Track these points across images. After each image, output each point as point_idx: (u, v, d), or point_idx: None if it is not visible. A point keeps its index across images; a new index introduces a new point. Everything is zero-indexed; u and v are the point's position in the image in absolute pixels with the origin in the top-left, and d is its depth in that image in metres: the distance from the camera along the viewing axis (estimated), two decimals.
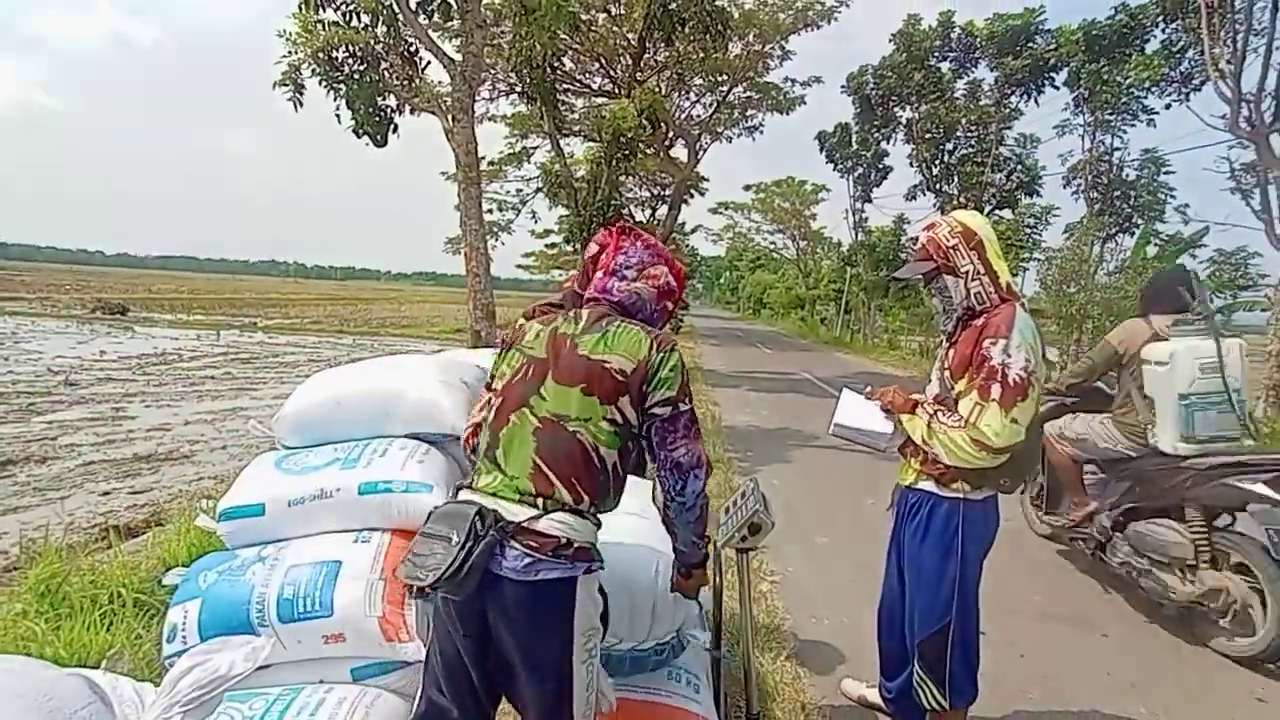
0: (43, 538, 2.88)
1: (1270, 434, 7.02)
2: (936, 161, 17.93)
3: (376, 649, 2.11)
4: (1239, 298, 11.89)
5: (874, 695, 2.22)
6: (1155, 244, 13.08)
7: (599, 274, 1.58)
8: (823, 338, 27.75)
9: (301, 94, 6.42)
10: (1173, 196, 13.48)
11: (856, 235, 24.39)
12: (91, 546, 3.47)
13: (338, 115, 6.46)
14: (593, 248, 1.68)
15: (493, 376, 1.58)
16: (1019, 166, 17.21)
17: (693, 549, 1.56)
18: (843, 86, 19.59)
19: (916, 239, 1.85)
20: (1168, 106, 12.90)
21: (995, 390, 1.60)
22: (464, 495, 1.40)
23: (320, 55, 6.00)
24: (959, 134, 17.60)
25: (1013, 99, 16.65)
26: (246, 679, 2.08)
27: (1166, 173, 13.70)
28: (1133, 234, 13.48)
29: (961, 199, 17.23)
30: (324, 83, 6.27)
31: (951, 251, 1.75)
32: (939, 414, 1.73)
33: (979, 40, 16.38)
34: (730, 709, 2.05)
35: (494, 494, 1.35)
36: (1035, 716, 2.32)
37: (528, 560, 1.30)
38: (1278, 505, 2.56)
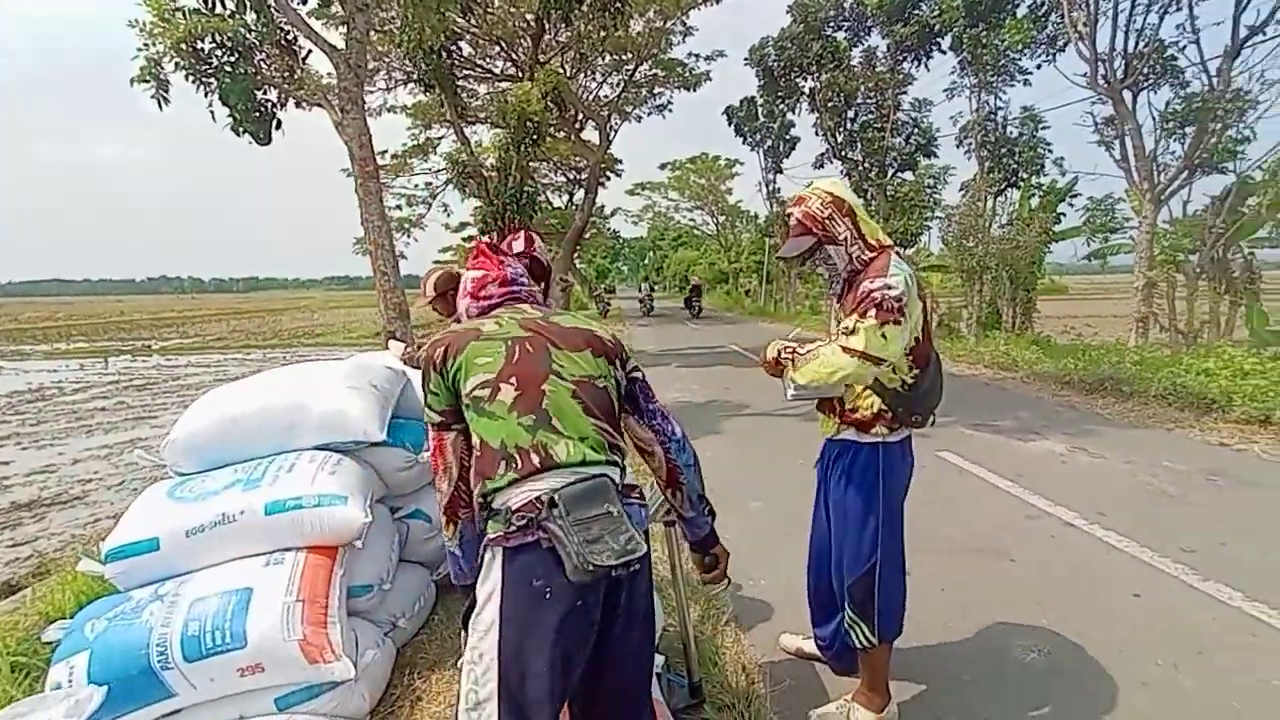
0: None
1: (1139, 361, 7.73)
2: (840, 129, 18.53)
3: (300, 674, 2.00)
4: (1109, 241, 12.98)
5: (810, 646, 2.31)
6: (1036, 196, 14.07)
7: (495, 286, 1.60)
8: (748, 309, 28.41)
9: (166, 90, 5.85)
10: (1050, 151, 14.50)
11: (771, 206, 24.99)
12: None
13: (212, 113, 5.94)
14: (472, 274, 1.66)
15: (462, 375, 1.38)
16: (915, 129, 18.03)
17: (703, 509, 1.63)
18: (745, 59, 19.87)
19: (790, 215, 1.90)
20: (1039, 67, 13.85)
21: (871, 312, 1.71)
22: (552, 474, 1.26)
23: (183, 47, 5.47)
24: (859, 101, 18.22)
25: (905, 65, 17.38)
26: None
27: (1043, 129, 14.72)
28: (1020, 188, 14.44)
29: (865, 164, 17.92)
30: (190, 77, 5.73)
31: (828, 222, 1.82)
32: (797, 348, 1.86)
33: (869, 9, 16.94)
34: (672, 680, 2.07)
35: (583, 460, 1.29)
36: (953, 644, 2.48)
37: (641, 514, 1.36)
38: None
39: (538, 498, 1.23)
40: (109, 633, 1.89)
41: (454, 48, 11.33)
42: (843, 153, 18.60)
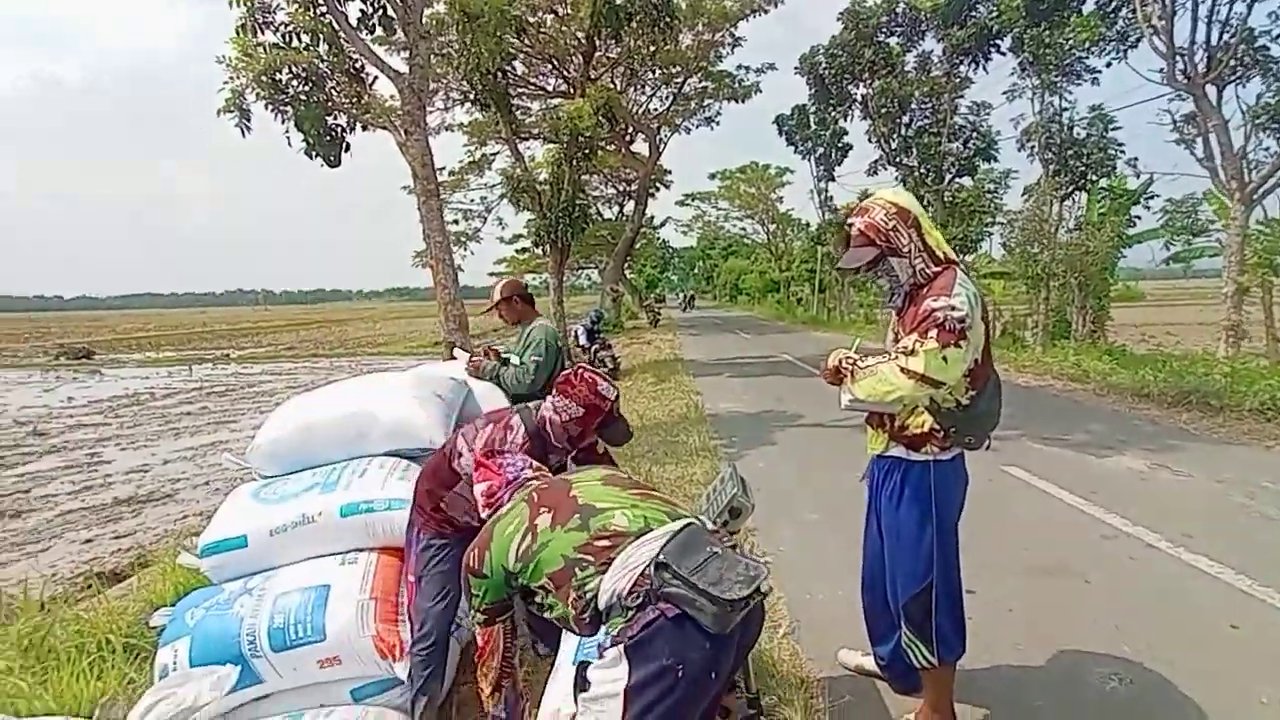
0: (21, 593, 2.81)
1: (1230, 372, 7.24)
2: (894, 135, 18.15)
3: (373, 668, 2.11)
4: (1193, 244, 12.21)
5: (870, 663, 2.27)
6: (1107, 199, 13.39)
7: (505, 493, 1.66)
8: (800, 318, 27.98)
9: (248, 120, 6.30)
10: (1122, 151, 13.78)
11: (823, 214, 24.64)
12: (76, 595, 3.41)
13: (288, 138, 6.35)
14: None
15: (501, 556, 1.42)
16: (974, 134, 17.48)
17: None
18: (796, 68, 19.73)
19: (851, 225, 1.87)
20: (1109, 65, 13.19)
21: (932, 333, 1.66)
22: (631, 544, 1.25)
23: (264, 79, 5.89)
24: (914, 106, 17.82)
25: (961, 68, 16.90)
26: (248, 708, 2.08)
27: (1114, 129, 14.01)
28: (1088, 191, 13.78)
29: (921, 170, 17.47)
30: (270, 106, 6.16)
31: (891, 233, 1.78)
32: (859, 362, 1.80)
33: (924, 13, 16.58)
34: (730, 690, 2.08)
35: (646, 522, 1.31)
36: (1024, 667, 2.38)
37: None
38: None
39: (642, 573, 1.17)
40: (206, 621, 2.05)
41: (508, 67, 11.70)
42: (897, 159, 18.20)
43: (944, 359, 1.65)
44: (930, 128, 17.65)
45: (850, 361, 1.82)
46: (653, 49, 15.16)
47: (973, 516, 3.83)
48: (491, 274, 32.89)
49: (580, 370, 1.96)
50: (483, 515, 1.64)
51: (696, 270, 74.87)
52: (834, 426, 6.49)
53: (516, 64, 14.81)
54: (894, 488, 1.89)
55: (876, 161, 18.91)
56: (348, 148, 6.72)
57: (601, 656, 1.21)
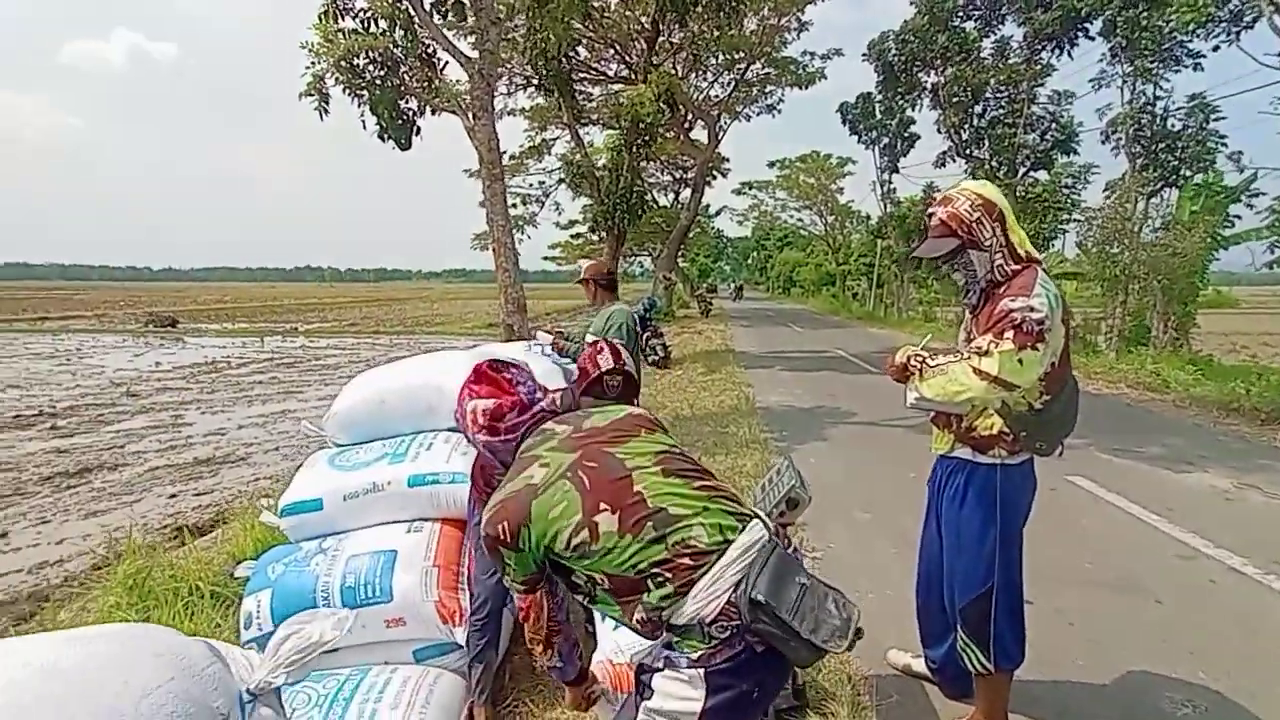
0: (125, 539, 3.08)
1: None
2: (965, 126, 17.35)
3: (435, 631, 2.23)
4: None
5: (919, 665, 2.25)
6: (1201, 196, 12.45)
7: (515, 415, 1.48)
8: (855, 313, 27.30)
9: (327, 103, 6.58)
10: (1224, 144, 12.77)
11: (885, 207, 23.85)
12: (166, 545, 3.71)
13: (363, 121, 6.61)
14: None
15: (543, 539, 1.24)
16: (1053, 124, 16.54)
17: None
18: (863, 55, 19.08)
19: (932, 215, 1.81)
20: (1216, 48, 12.20)
21: (1009, 334, 1.61)
22: (715, 563, 1.15)
23: (343, 64, 6.14)
24: (988, 95, 16.99)
25: (1043, 54, 15.98)
26: (319, 660, 2.23)
27: (1217, 119, 12.99)
28: (1179, 187, 12.86)
29: (993, 163, 16.68)
30: (347, 90, 6.42)
31: (975, 226, 1.72)
32: (929, 359, 1.74)
33: None
34: None
35: (722, 535, 1.18)
36: (1086, 685, 2.31)
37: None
38: None
39: (729, 602, 1.11)
40: (285, 576, 2.20)
41: (572, 53, 11.77)
42: (967, 150, 17.42)
43: (1019, 361, 1.59)
44: (1005, 118, 16.79)
45: (919, 359, 1.76)
46: (716, 34, 14.95)
47: (1031, 524, 3.70)
48: (545, 258, 33.38)
49: (601, 341, 1.86)
50: (477, 437, 1.44)
51: (750, 261, 73.89)
52: (887, 425, 6.35)
53: (580, 49, 14.87)
54: (957, 489, 1.85)
55: (945, 153, 18.16)
56: (418, 131, 6.94)
57: (666, 666, 1.16)
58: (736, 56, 18.75)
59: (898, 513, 3.87)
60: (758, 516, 1.26)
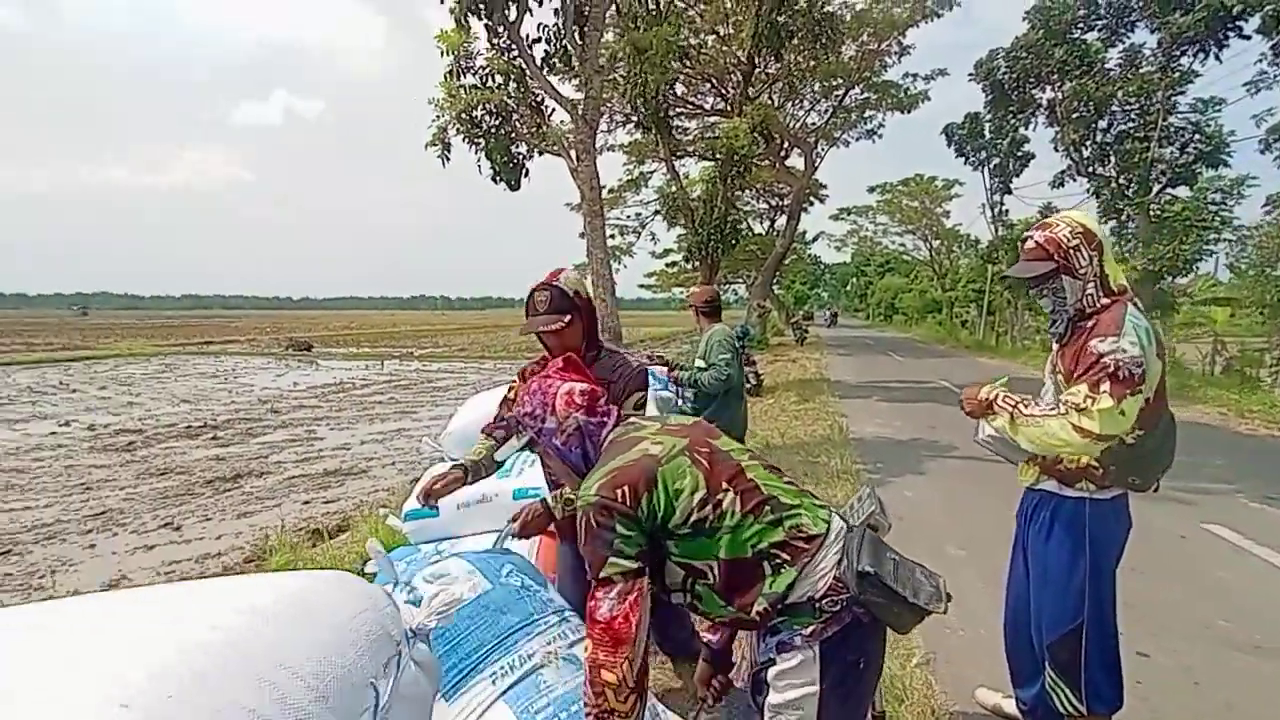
0: (276, 536, 3.57)
1: None
2: (1087, 142, 16.16)
3: None
4: None
5: (1010, 706, 2.19)
6: None
7: (604, 402, 1.46)
8: (963, 342, 25.75)
9: (449, 151, 7.32)
10: None
11: (997, 230, 22.49)
12: (305, 544, 4.24)
13: (479, 166, 7.31)
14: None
15: (668, 505, 1.24)
16: (1196, 135, 15.02)
17: None
18: (970, 74, 18.34)
19: (1028, 238, 1.82)
20: None
21: (1105, 386, 1.57)
22: (820, 549, 1.23)
23: (464, 116, 6.84)
24: (1114, 109, 15.75)
25: (1183, 60, 14.65)
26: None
27: None
28: None
29: (1120, 180, 15.37)
30: (466, 139, 7.12)
31: (1073, 252, 1.71)
32: (1021, 405, 1.72)
33: (1135, 1, 14.63)
34: None
35: (827, 523, 1.27)
36: None
37: None
38: None
39: (836, 577, 1.19)
40: (408, 573, 2.51)
41: (669, 90, 12.26)
42: (1090, 168, 16.17)
43: (1122, 412, 1.56)
44: (1135, 131, 15.47)
45: (1010, 400, 1.73)
46: (813, 64, 15.00)
47: (1157, 574, 3.47)
48: (641, 285, 34.15)
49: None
50: (574, 416, 1.37)
51: (849, 287, 71.59)
52: (988, 461, 5.97)
53: (677, 86, 15.41)
54: (1043, 523, 1.84)
55: (1064, 172, 16.97)
56: (526, 173, 7.55)
57: (780, 651, 1.22)
58: (834, 84, 18.64)
59: (994, 550, 3.66)
60: (832, 510, 1.34)
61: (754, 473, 1.28)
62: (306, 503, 6.48)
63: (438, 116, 7.05)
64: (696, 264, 13.25)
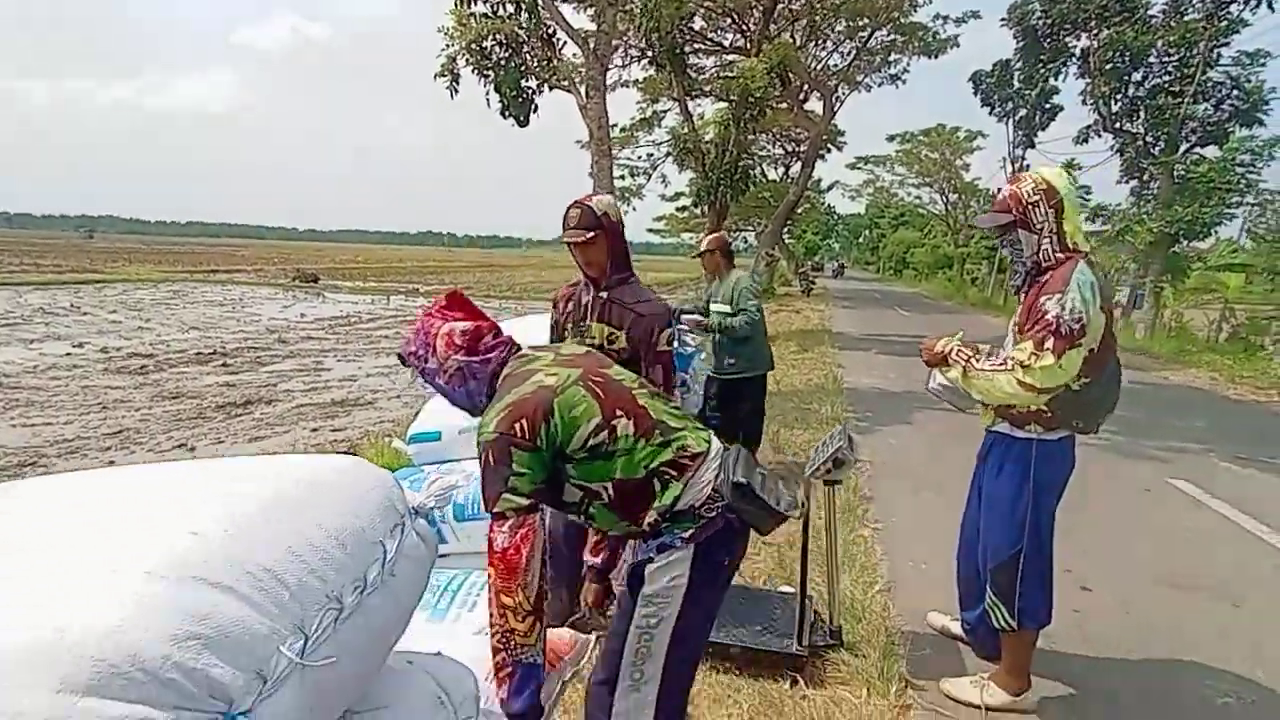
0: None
1: None
2: (1118, 96, 15.56)
3: None
4: None
5: (956, 627, 2.41)
6: None
7: (491, 337, 1.49)
8: (971, 299, 25.59)
9: (458, 82, 7.20)
10: None
11: None
12: None
13: (487, 100, 7.18)
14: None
15: (566, 433, 1.33)
16: (1234, 91, 14.35)
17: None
18: (1002, 20, 17.52)
19: (1000, 190, 1.94)
20: None
21: (1049, 343, 1.70)
22: (703, 465, 1.37)
23: (473, 46, 6.69)
24: (1152, 60, 15.05)
25: (1232, 8, 13.87)
26: (438, 562, 2.74)
27: None
28: None
29: (1148, 137, 14.90)
30: (475, 70, 6.99)
31: (1031, 208, 1.82)
32: (973, 359, 1.86)
33: None
34: (815, 623, 2.34)
35: (708, 442, 1.40)
36: (1128, 666, 2.36)
37: None
38: None
39: (715, 489, 1.33)
40: (440, 481, 2.71)
41: (687, 24, 11.81)
42: (1117, 124, 15.62)
43: (1061, 366, 1.70)
44: (1170, 85, 14.83)
45: (963, 354, 1.88)
46: (838, 2, 14.36)
47: (1112, 519, 3.67)
48: (650, 229, 33.75)
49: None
50: (454, 358, 1.43)
51: (861, 240, 70.45)
52: (975, 414, 6.17)
53: (696, 19, 14.81)
54: (996, 460, 2.00)
55: (1090, 127, 16.44)
56: (536, 109, 7.44)
57: (660, 552, 1.35)
58: (860, 23, 17.84)
59: (965, 495, 3.88)
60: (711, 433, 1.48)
61: (644, 399, 1.38)
62: (315, 429, 6.73)
63: (447, 45, 6.88)
64: (705, 209, 13.10)
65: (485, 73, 6.85)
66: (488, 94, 7.03)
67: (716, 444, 1.42)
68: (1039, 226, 1.82)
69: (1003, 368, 1.78)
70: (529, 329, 3.38)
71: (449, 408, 3.15)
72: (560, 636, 1.52)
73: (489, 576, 1.26)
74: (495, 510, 1.27)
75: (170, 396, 7.64)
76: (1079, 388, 1.82)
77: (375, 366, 10.08)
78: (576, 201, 2.10)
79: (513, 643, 1.25)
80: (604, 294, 2.14)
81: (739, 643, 2.23)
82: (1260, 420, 6.53)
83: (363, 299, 21.06)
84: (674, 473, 1.32)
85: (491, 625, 1.27)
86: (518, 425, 1.26)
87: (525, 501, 1.27)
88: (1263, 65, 13.92)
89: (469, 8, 6.71)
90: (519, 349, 1.48)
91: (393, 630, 0.93)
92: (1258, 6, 13.29)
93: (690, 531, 1.32)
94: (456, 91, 7.12)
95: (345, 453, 5.23)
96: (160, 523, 0.76)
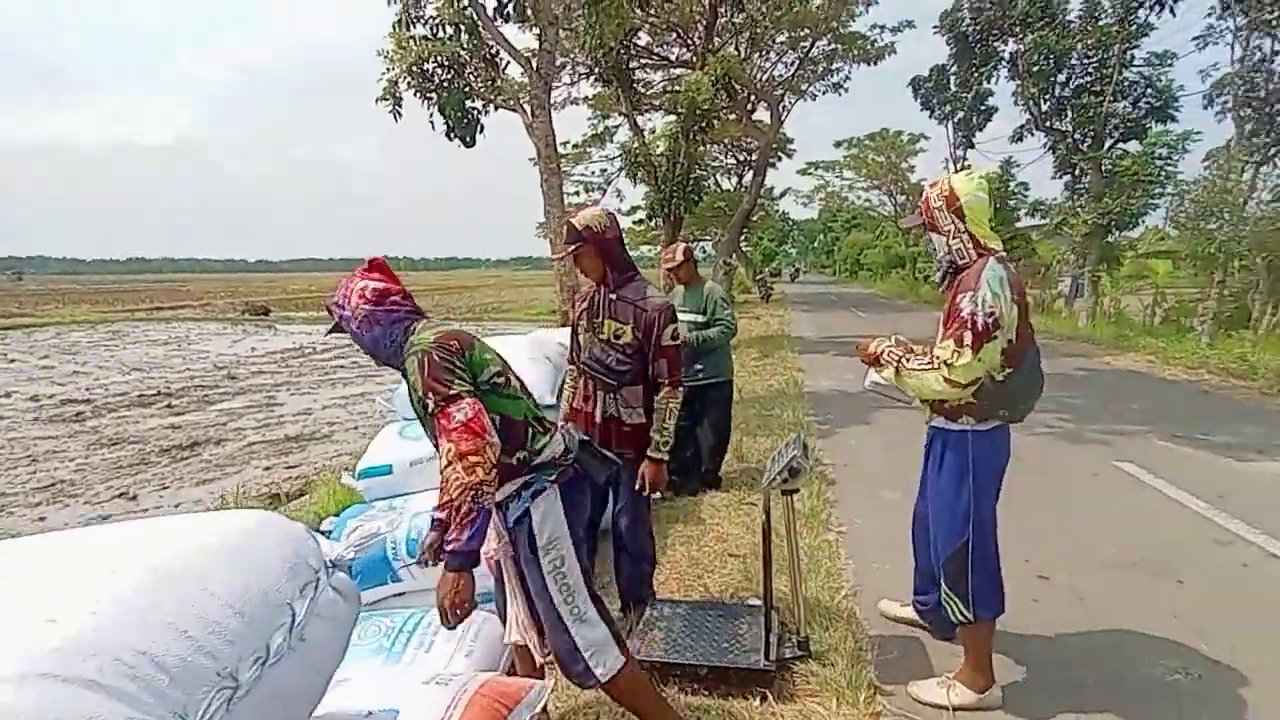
0: (233, 502, 3.61)
1: None
2: (1046, 96, 16.29)
3: (486, 581, 2.58)
4: None
5: (909, 611, 2.48)
6: None
7: (399, 298, 1.73)
8: (924, 297, 26.28)
9: (400, 105, 7.09)
10: None
11: None
12: (260, 508, 4.28)
13: (431, 122, 7.09)
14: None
15: (478, 365, 1.65)
16: (1148, 90, 15.26)
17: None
18: (935, 27, 18.24)
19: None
20: None
21: (967, 339, 1.80)
22: (556, 430, 1.79)
23: (414, 69, 6.60)
24: (1073, 62, 15.86)
25: (1140, 12, 14.76)
26: (386, 602, 2.63)
27: None
28: None
29: (1076, 135, 15.65)
30: (418, 93, 6.89)
31: (936, 212, 1.96)
32: (905, 359, 1.96)
33: None
34: (782, 635, 2.32)
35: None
36: (1082, 649, 2.41)
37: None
38: None
39: (566, 447, 1.74)
40: (361, 530, 2.60)
41: (632, 40, 11.93)
42: (1048, 123, 16.38)
43: (980, 359, 1.81)
44: (1092, 85, 15.63)
45: (894, 354, 2.00)
46: (778, 14, 14.71)
47: (1065, 507, 3.77)
48: None
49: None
50: (361, 307, 1.64)
51: (816, 243, 71.97)
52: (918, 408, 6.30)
53: (641, 35, 14.98)
54: (937, 454, 2.08)
55: (1023, 126, 17.15)
56: (481, 129, 7.37)
57: (535, 496, 1.68)
58: (800, 34, 18.32)
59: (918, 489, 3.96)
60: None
61: (509, 369, 1.74)
62: (268, 468, 6.48)
63: (387, 69, 6.78)
64: (660, 221, 13.19)
65: (428, 95, 6.76)
66: (431, 116, 6.94)
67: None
68: (945, 230, 1.94)
69: (930, 366, 1.90)
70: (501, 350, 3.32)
71: (399, 440, 3.06)
72: (512, 685, 1.48)
73: (449, 450, 1.44)
74: (451, 392, 1.49)
75: (109, 443, 7.26)
76: (1002, 378, 1.90)
77: (331, 398, 9.79)
78: (565, 218, 2.39)
79: (480, 492, 1.45)
80: (613, 294, 2.33)
81: (706, 662, 2.19)
82: (1192, 399, 6.84)
83: (317, 329, 20.48)
84: (541, 427, 1.72)
85: (455, 485, 1.43)
86: (452, 341, 1.59)
87: (472, 386, 1.55)
88: (1170, 65, 14.81)
89: (408, 30, 6.63)
90: (429, 319, 1.75)
91: (306, 699, 0.86)
92: (1161, 11, 14.16)
93: (554, 476, 1.70)
94: (400, 115, 7.01)
95: (297, 494, 5.05)
96: (13, 612, 0.67)
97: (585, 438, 1.83)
